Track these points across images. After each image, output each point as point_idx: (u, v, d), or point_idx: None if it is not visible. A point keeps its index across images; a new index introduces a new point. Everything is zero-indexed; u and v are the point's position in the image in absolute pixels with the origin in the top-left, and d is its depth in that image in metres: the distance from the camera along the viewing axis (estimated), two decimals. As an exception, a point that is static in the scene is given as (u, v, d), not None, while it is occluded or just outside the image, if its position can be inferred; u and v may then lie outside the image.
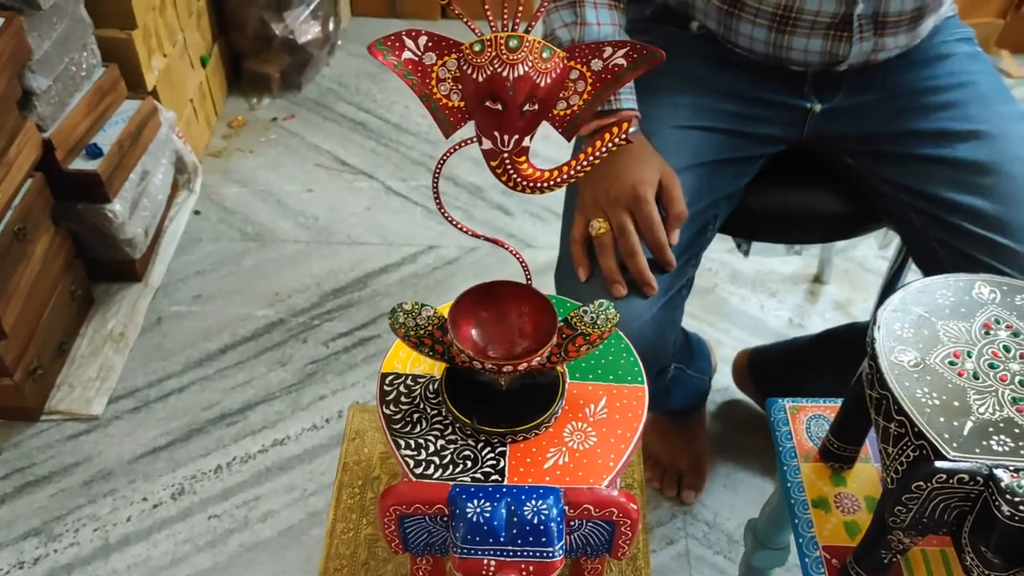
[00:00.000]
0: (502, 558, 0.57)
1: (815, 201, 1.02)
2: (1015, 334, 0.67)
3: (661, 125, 0.95)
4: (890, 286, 1.19)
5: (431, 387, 0.65)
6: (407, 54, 0.52)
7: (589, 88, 0.54)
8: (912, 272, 1.14)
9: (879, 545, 0.69)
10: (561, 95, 0.54)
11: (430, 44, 0.52)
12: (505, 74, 0.51)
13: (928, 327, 0.68)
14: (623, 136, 0.56)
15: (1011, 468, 0.58)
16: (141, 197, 1.56)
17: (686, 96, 0.97)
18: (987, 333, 0.67)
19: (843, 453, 0.81)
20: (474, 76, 0.52)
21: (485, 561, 0.57)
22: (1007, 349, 0.66)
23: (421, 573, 0.67)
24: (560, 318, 0.62)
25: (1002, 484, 0.57)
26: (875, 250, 1.65)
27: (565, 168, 0.57)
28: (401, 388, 0.66)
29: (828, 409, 0.86)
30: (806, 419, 0.87)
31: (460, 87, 0.53)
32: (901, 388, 0.63)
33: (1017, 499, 0.56)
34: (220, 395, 1.43)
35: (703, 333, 1.50)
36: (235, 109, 2.03)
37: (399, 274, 1.65)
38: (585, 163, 0.57)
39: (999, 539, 0.57)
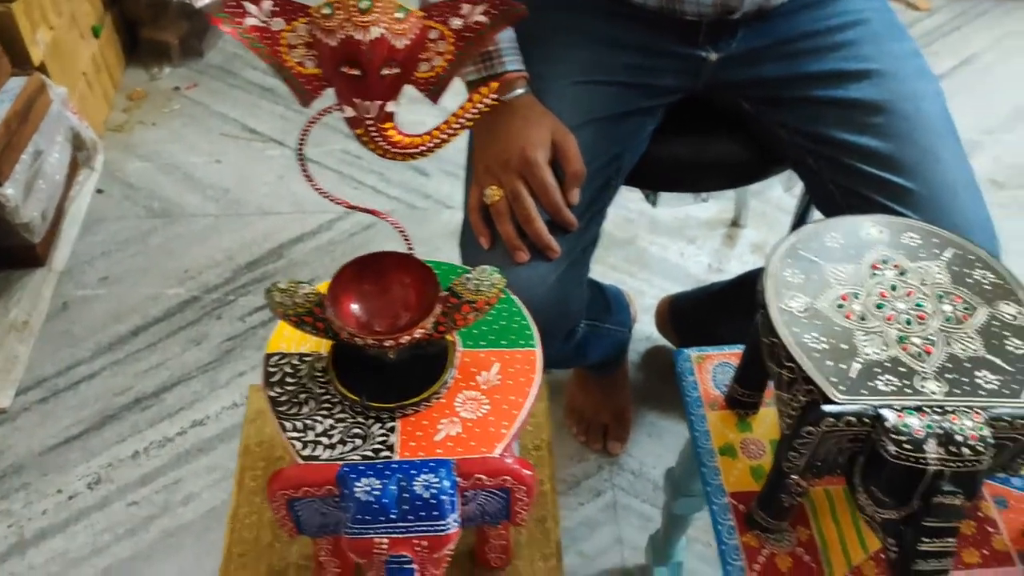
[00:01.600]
0: (394, 535, 0.55)
1: (716, 149, 1.02)
2: (901, 273, 0.68)
3: (556, 81, 0.93)
4: (797, 229, 1.20)
5: (318, 365, 0.64)
6: (251, 20, 0.49)
7: (451, 48, 0.51)
8: (818, 214, 1.15)
9: (779, 490, 0.70)
10: (422, 56, 0.52)
11: (276, 8, 0.49)
12: (359, 38, 0.49)
13: (817, 271, 0.68)
14: (492, 97, 0.54)
15: (897, 407, 0.58)
16: (36, 178, 1.50)
17: (580, 50, 0.95)
18: (874, 273, 0.68)
19: (747, 399, 0.81)
20: (326, 41, 0.49)
21: (377, 539, 0.56)
22: (894, 288, 0.66)
23: (324, 553, 0.66)
24: (444, 287, 0.60)
25: (888, 424, 0.57)
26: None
27: (435, 132, 0.55)
28: (287, 368, 0.64)
29: (733, 356, 0.86)
30: (712, 368, 0.87)
31: (314, 53, 0.51)
32: (790, 334, 0.64)
33: (902, 438, 0.57)
34: (133, 379, 1.39)
35: (624, 284, 1.50)
36: (134, 80, 1.95)
37: (315, 242, 1.62)
38: (456, 126, 0.55)
39: (887, 478, 0.58)
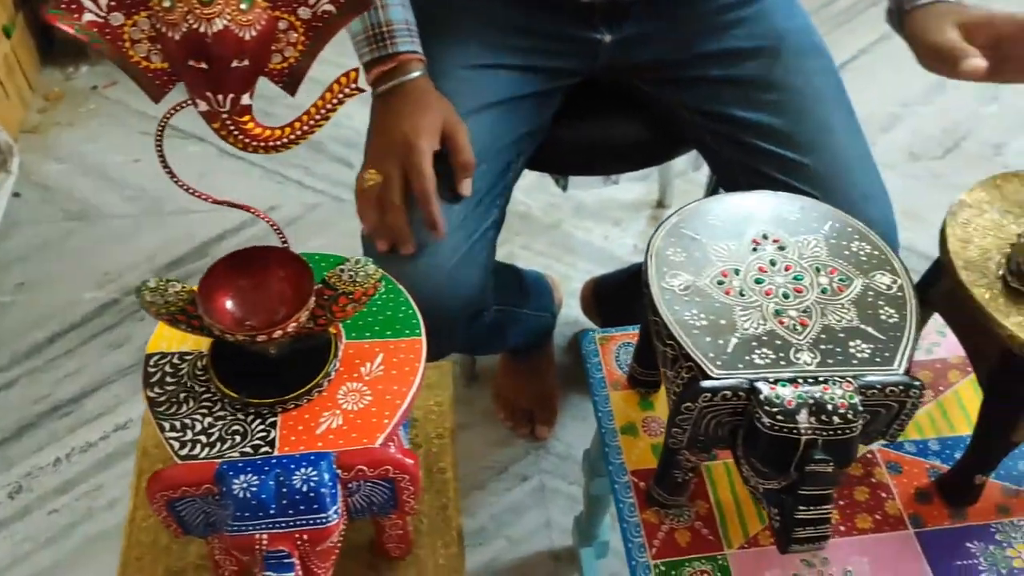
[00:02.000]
0: (274, 530, 0.55)
1: (619, 131, 1.02)
2: (781, 247, 0.69)
3: (451, 65, 0.93)
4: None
5: (200, 364, 0.63)
6: (88, 16, 0.48)
7: (302, 38, 0.51)
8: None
9: (671, 466, 0.71)
10: (274, 48, 0.51)
11: (113, 3, 0.48)
12: (203, 30, 0.48)
13: (699, 249, 0.69)
14: (352, 87, 0.54)
15: (771, 380, 0.59)
16: (-57, 184, 1.46)
17: (476, 34, 0.95)
18: (755, 249, 0.69)
19: (647, 378, 0.82)
20: (170, 35, 0.48)
21: (257, 536, 0.55)
22: (773, 263, 0.68)
23: (218, 551, 0.65)
24: (319, 279, 0.60)
25: (762, 396, 0.58)
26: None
27: (297, 124, 0.55)
28: (167, 368, 0.63)
29: (636, 337, 0.87)
30: (615, 348, 0.88)
31: (159, 47, 0.50)
32: (670, 312, 0.64)
33: (775, 409, 0.58)
34: (51, 387, 1.37)
35: (550, 269, 1.51)
36: (51, 81, 1.91)
37: (238, 239, 1.60)
38: (318, 116, 0.55)
39: (764, 449, 0.59)
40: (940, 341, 0.87)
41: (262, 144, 0.54)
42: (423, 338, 0.65)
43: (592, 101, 1.02)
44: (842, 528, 0.74)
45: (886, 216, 0.90)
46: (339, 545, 0.60)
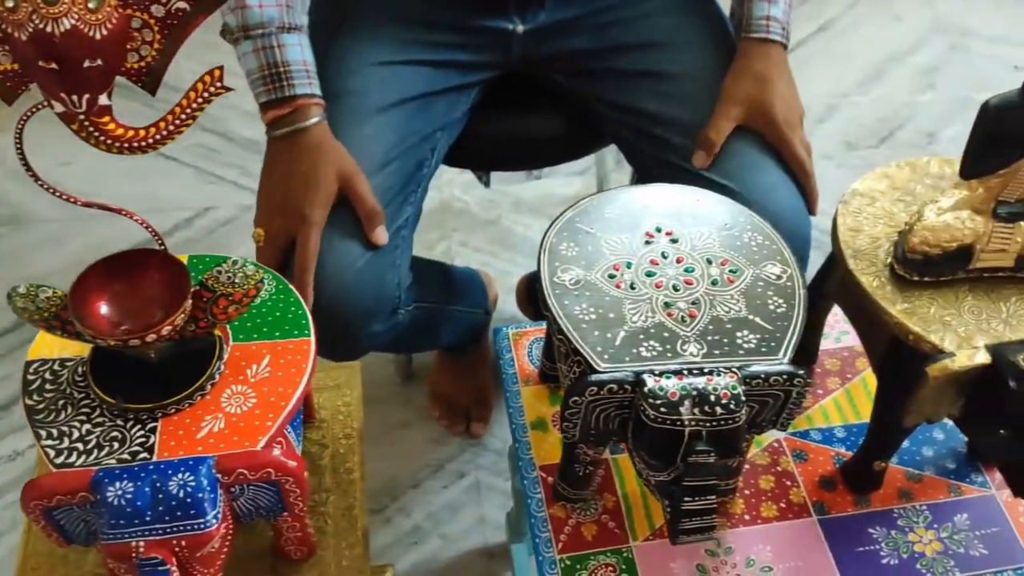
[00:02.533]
0: (150, 538, 0.54)
1: (537, 125, 1.02)
2: (674, 240, 0.69)
3: (361, 63, 0.92)
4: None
5: (80, 370, 0.62)
6: (-71, 17, 0.46)
7: (158, 36, 0.50)
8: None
9: (571, 460, 0.71)
10: (129, 46, 0.50)
11: (-45, 4, 0.47)
12: (50, 30, 0.47)
13: (593, 243, 0.69)
14: (217, 85, 0.53)
15: (657, 372, 0.60)
16: None
17: (386, 29, 0.94)
18: (648, 242, 0.69)
19: (554, 373, 0.82)
20: (17, 36, 0.47)
21: (133, 544, 0.54)
22: (665, 255, 0.68)
23: (108, 560, 0.64)
24: (196, 281, 0.59)
25: (646, 389, 0.58)
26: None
27: (162, 124, 0.54)
28: (47, 375, 0.62)
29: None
30: (528, 344, 0.88)
31: (7, 48, 0.49)
32: (560, 307, 0.64)
33: (659, 402, 0.58)
34: (-23, 394, 1.34)
35: (489, 265, 1.50)
36: (-19, 83, 1.87)
37: (171, 242, 1.57)
38: (183, 116, 0.54)
39: (650, 441, 0.59)
40: (849, 330, 0.87)
41: (126, 145, 0.53)
42: (312, 339, 0.64)
43: (511, 95, 1.02)
44: (747, 517, 0.75)
45: (795, 205, 0.90)
46: (224, 550, 0.59)
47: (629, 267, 0.67)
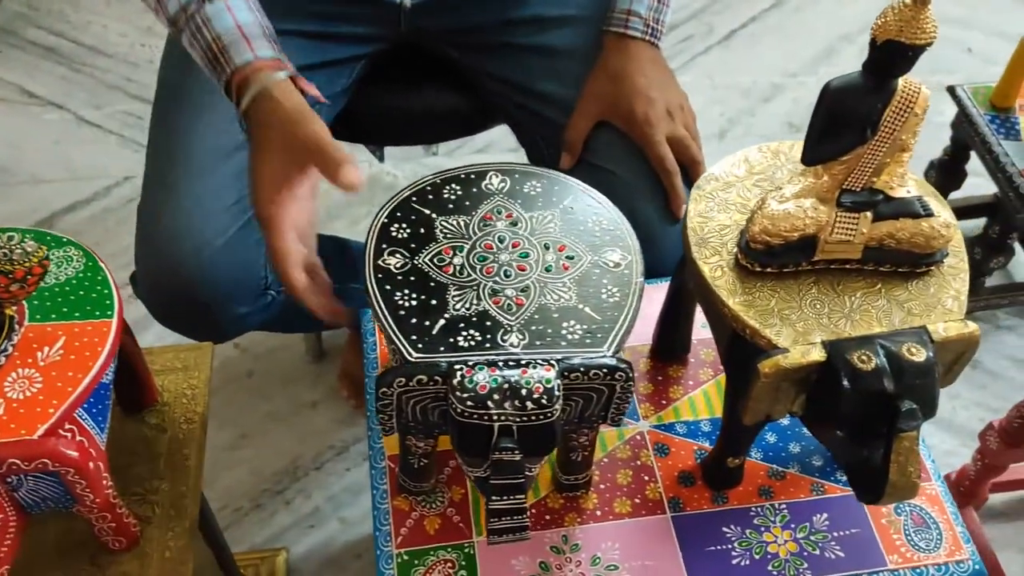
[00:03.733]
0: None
1: (427, 99, 0.98)
2: (514, 223, 0.65)
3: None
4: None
5: None
6: None
7: None
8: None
9: (404, 451, 0.68)
10: None
11: None
12: None
13: (427, 225, 0.65)
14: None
15: (470, 363, 0.56)
16: None
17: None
18: (485, 225, 0.65)
19: (411, 359, 0.79)
20: None
21: None
22: (501, 240, 0.64)
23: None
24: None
25: (454, 382, 0.55)
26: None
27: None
28: None
29: (416, 314, 0.84)
30: (394, 327, 0.84)
31: None
32: (380, 293, 0.61)
33: (466, 395, 0.55)
34: None
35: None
36: (-95, 43, 1.82)
37: (90, 211, 1.53)
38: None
39: (460, 436, 0.56)
40: (728, 318, 0.84)
41: None
42: (114, 320, 0.60)
43: (402, 69, 0.98)
44: (598, 513, 0.72)
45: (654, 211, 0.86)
46: (7, 541, 0.56)
47: (461, 251, 0.63)
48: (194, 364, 0.78)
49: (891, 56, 0.53)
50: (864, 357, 0.56)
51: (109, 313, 0.61)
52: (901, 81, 0.56)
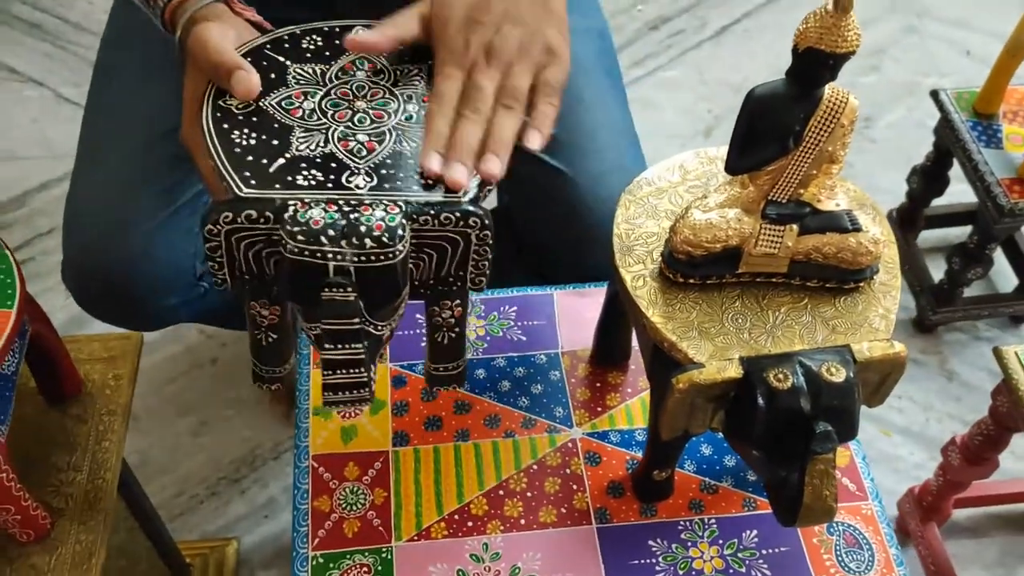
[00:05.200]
0: None
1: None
2: (377, 73, 0.62)
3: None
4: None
5: None
6: None
7: None
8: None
9: (252, 325, 0.60)
10: None
11: None
12: None
13: (279, 70, 0.61)
14: None
15: (306, 200, 0.52)
16: None
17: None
18: (343, 74, 0.62)
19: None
20: None
21: None
22: (360, 88, 0.61)
23: None
24: None
25: (286, 216, 0.51)
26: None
27: None
28: None
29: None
30: (331, 323, 0.82)
31: None
32: (216, 130, 0.56)
33: (297, 230, 0.50)
34: None
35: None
36: None
37: (62, 189, 1.49)
38: None
39: (292, 279, 0.51)
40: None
41: None
42: (13, 311, 0.59)
43: None
44: (522, 522, 0.70)
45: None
46: None
47: (312, 96, 0.59)
48: (121, 354, 0.77)
49: (812, 64, 0.51)
50: (781, 375, 0.54)
51: (9, 304, 0.59)
52: (828, 89, 0.54)
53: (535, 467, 0.73)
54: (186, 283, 0.83)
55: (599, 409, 0.77)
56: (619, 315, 0.74)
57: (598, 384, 0.78)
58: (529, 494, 0.72)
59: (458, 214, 0.52)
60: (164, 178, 0.79)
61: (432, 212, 0.52)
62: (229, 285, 0.54)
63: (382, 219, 0.51)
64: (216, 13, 0.65)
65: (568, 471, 0.73)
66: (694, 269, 0.59)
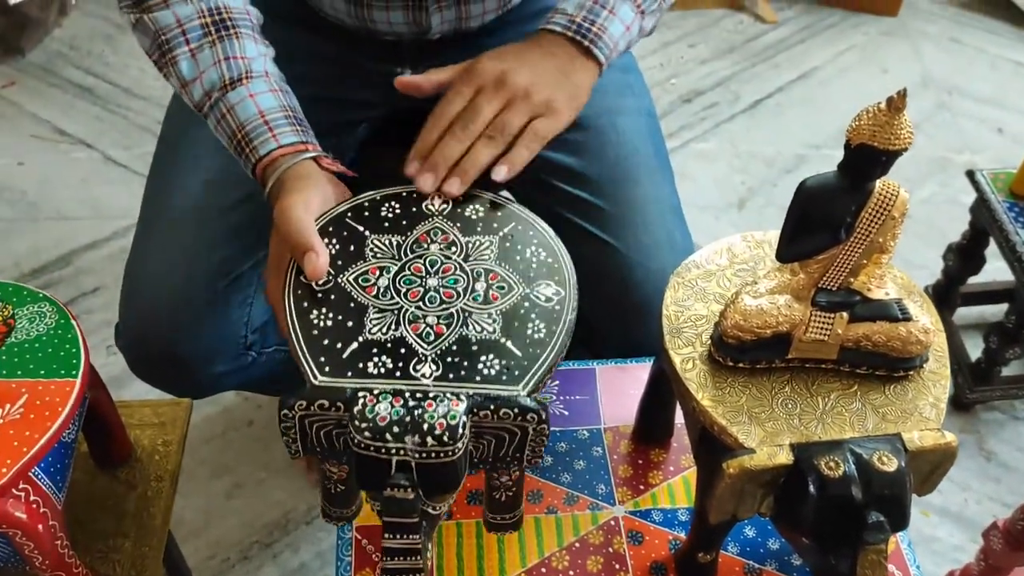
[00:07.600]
0: None
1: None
2: (449, 246, 0.64)
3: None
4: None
5: None
6: None
7: None
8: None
9: (323, 475, 0.62)
10: None
11: None
12: None
13: (358, 242, 0.63)
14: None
15: (375, 392, 0.54)
16: None
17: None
18: (418, 247, 0.64)
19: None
20: None
21: None
22: (432, 264, 0.62)
23: None
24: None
25: (355, 410, 0.53)
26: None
27: None
28: None
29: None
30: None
31: None
32: (296, 310, 0.59)
33: (364, 425, 0.52)
34: None
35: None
36: (-48, 77, 1.88)
37: (108, 249, 1.56)
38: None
39: (360, 467, 0.54)
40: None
41: None
42: (78, 380, 0.60)
43: (401, 131, 0.98)
44: (563, 601, 0.70)
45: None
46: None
47: (387, 272, 0.61)
48: (171, 421, 0.78)
49: (865, 159, 0.52)
50: (832, 463, 0.55)
51: (74, 372, 0.61)
52: (879, 183, 0.55)
53: (577, 545, 0.73)
54: (235, 352, 0.84)
55: (641, 487, 0.77)
56: (664, 393, 0.74)
57: (640, 461, 0.78)
58: (571, 572, 0.71)
59: (517, 409, 0.54)
60: (222, 250, 0.81)
61: (491, 408, 0.54)
62: (301, 454, 0.56)
63: (444, 416, 0.53)
64: (305, 172, 0.69)
65: (611, 550, 0.73)
66: (743, 354, 0.59)
